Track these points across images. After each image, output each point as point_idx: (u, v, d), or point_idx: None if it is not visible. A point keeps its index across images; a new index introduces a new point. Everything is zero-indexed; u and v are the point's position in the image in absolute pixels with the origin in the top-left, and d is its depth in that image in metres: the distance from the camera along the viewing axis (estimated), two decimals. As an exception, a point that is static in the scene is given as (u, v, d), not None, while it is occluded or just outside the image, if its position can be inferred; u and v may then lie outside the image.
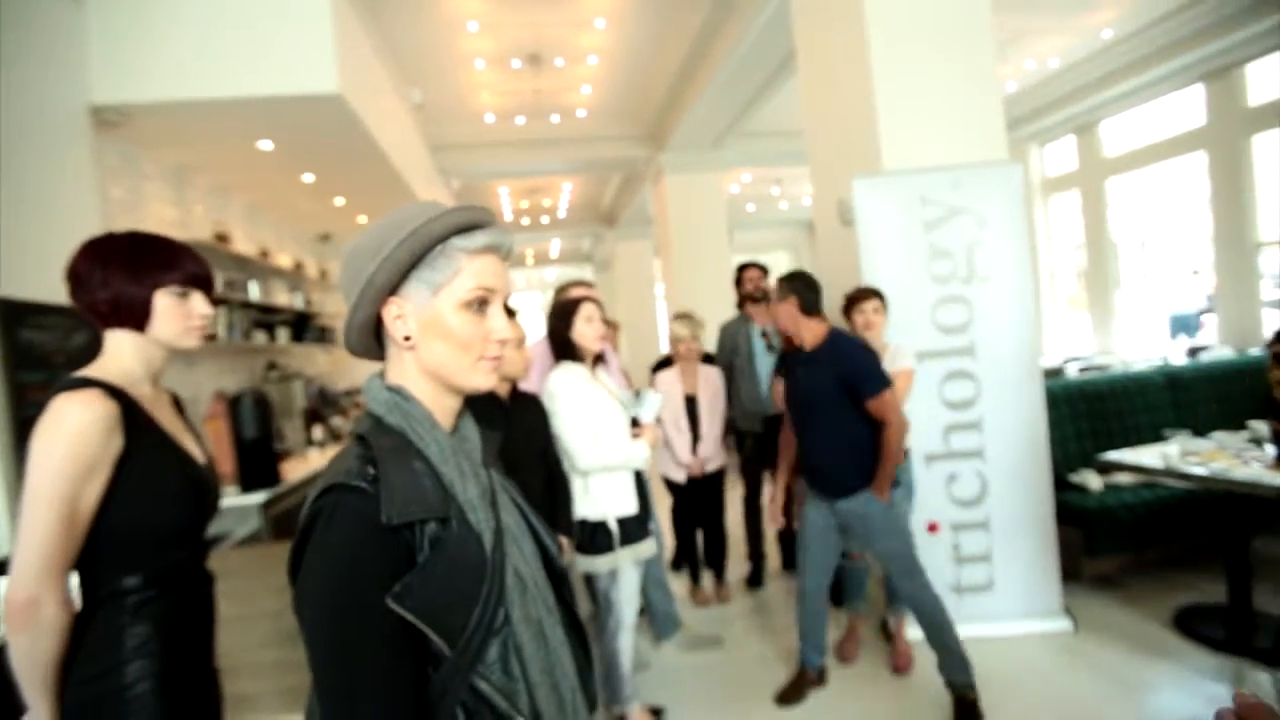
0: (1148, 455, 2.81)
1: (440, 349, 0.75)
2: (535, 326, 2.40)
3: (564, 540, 2.01)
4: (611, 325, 3.15)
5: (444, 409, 0.78)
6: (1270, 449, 2.53)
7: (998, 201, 2.83)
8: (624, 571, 2.18)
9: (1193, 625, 2.70)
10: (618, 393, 2.26)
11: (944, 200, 2.84)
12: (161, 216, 3.74)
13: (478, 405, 1.83)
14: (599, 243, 12.38)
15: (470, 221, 0.75)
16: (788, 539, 3.71)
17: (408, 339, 0.75)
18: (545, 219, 10.87)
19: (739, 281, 3.65)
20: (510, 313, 1.88)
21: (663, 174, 7.09)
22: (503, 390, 1.92)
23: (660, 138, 6.97)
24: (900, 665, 2.64)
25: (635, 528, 2.18)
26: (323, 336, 5.70)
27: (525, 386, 2.16)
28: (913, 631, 2.84)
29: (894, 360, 2.56)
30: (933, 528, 2.89)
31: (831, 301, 2.91)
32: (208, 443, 1.34)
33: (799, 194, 10.66)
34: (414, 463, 0.71)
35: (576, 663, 0.83)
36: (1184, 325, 6.49)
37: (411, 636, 0.65)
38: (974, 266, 2.85)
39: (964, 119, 3.04)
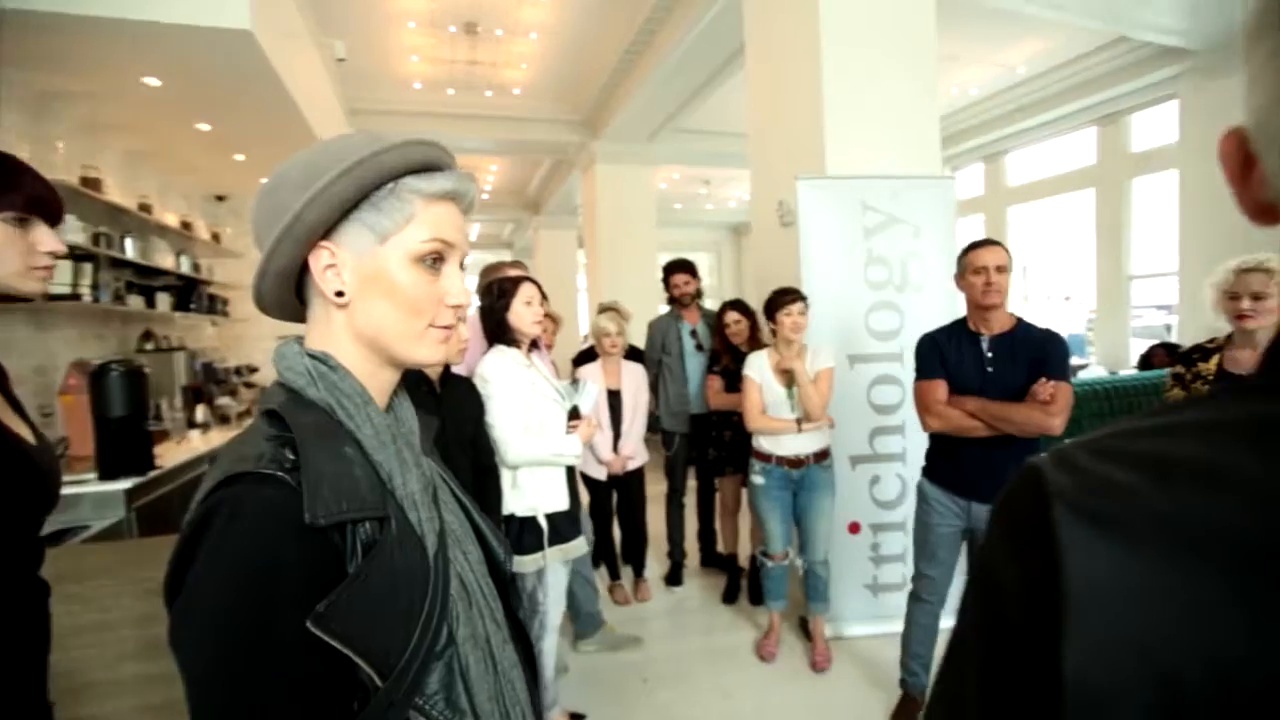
0: (1050, 464, 2.99)
1: (382, 310, 0.61)
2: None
3: None
4: (553, 319, 2.97)
5: (379, 384, 0.64)
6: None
7: (932, 214, 2.91)
8: (552, 571, 2.04)
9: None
10: (554, 381, 2.13)
11: (884, 208, 2.89)
12: (13, 150, 3.19)
13: (404, 386, 1.60)
14: (521, 229, 12.03)
15: (429, 160, 0.63)
16: (708, 536, 3.70)
17: (341, 295, 0.61)
18: (467, 200, 10.44)
19: (668, 283, 3.57)
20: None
21: (595, 162, 6.95)
22: (433, 371, 1.73)
23: (595, 125, 6.82)
24: (819, 663, 2.66)
25: (566, 525, 2.05)
26: (212, 306, 5.14)
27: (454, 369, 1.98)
28: (830, 629, 2.89)
29: (815, 360, 2.59)
30: (854, 528, 2.94)
31: (762, 301, 2.88)
32: (57, 423, 1.08)
33: (726, 197, 10.82)
34: (344, 447, 0.57)
35: (526, 682, 0.71)
36: (1076, 347, 7.13)
37: (334, 666, 0.51)
38: (907, 275, 2.92)
39: (904, 132, 3.11)
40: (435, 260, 0.63)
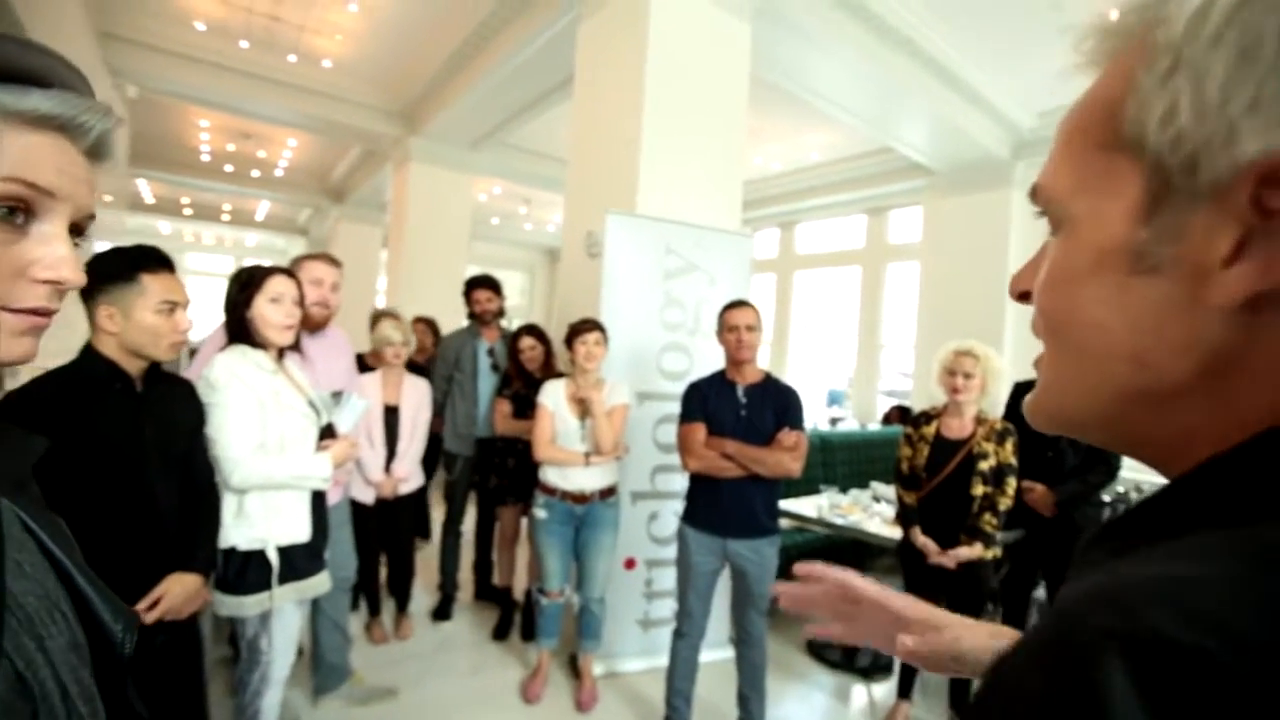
0: (805, 505, 3.30)
1: None
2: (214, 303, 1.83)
3: (188, 582, 1.47)
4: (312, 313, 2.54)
5: None
6: (886, 507, 3.17)
7: (728, 266, 3.11)
8: (281, 614, 1.73)
9: (819, 648, 3.22)
10: (309, 391, 1.84)
11: (685, 254, 3.02)
12: None
13: (88, 385, 1.28)
14: (319, 217, 10.83)
15: (22, 67, 0.43)
16: (484, 568, 3.50)
17: None
18: (256, 172, 9.12)
19: (469, 298, 3.40)
20: (164, 264, 1.38)
21: (409, 160, 6.49)
22: (134, 368, 1.38)
23: (414, 120, 6.39)
24: (585, 703, 2.60)
25: (304, 559, 1.76)
26: None
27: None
28: (602, 665, 2.86)
29: (611, 395, 2.60)
30: (629, 564, 2.96)
31: (564, 330, 2.85)
32: None
33: (545, 219, 10.80)
34: None
35: None
36: (835, 399, 8.15)
37: None
38: (700, 321, 3.07)
39: (711, 187, 3.31)
40: (14, 211, 0.44)
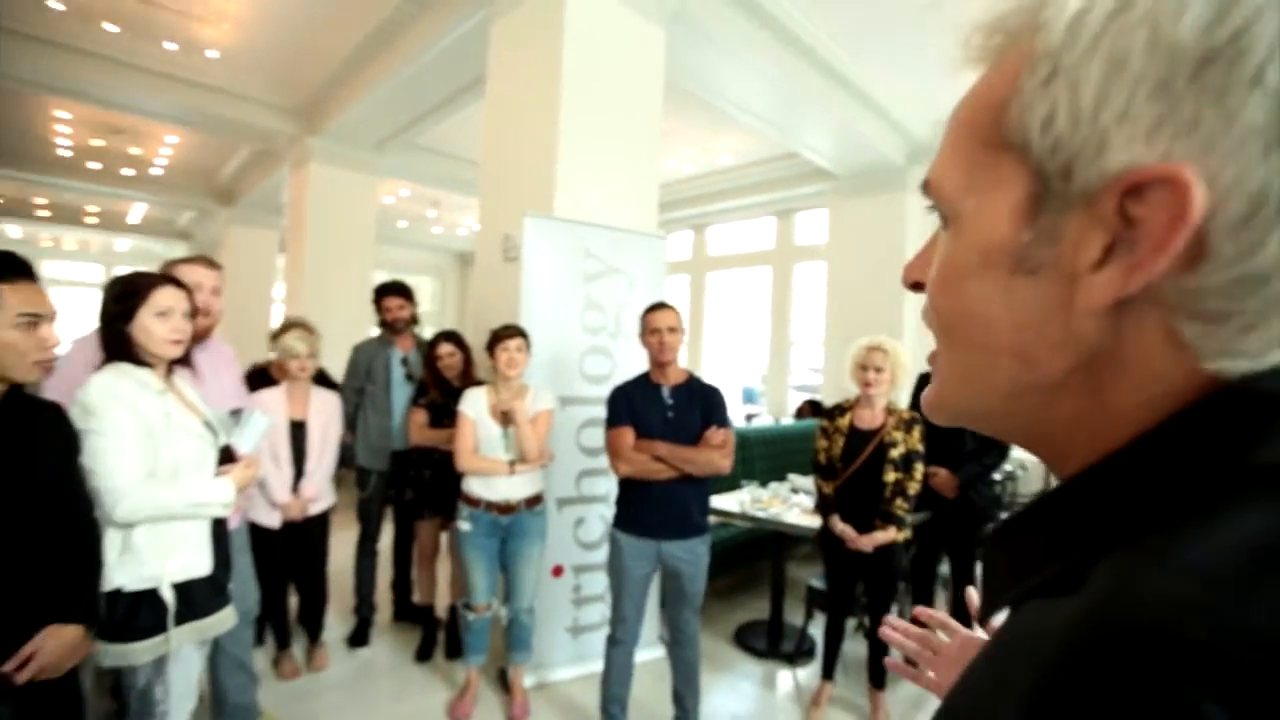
0: (728, 501, 3.38)
1: None
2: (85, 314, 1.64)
3: (66, 635, 1.30)
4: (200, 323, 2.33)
5: None
6: (804, 497, 3.30)
7: (645, 269, 3.13)
8: (179, 658, 1.57)
9: (746, 638, 3.30)
10: (203, 409, 1.68)
11: (604, 257, 3.02)
12: None
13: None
14: (205, 220, 9.99)
15: None
16: (403, 586, 3.34)
17: None
18: (130, 171, 8.27)
19: (379, 306, 3.25)
20: (23, 271, 1.23)
21: (309, 161, 6.11)
22: (-10, 391, 1.21)
23: (313, 119, 6.02)
24: (517, 716, 2.54)
25: (205, 594, 1.60)
26: None
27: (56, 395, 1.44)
28: (533, 676, 2.80)
29: (535, 401, 2.56)
30: (557, 571, 2.92)
31: (483, 336, 2.78)
32: None
33: (455, 222, 10.49)
34: None
35: None
36: (750, 396, 8.40)
37: None
38: (620, 323, 3.07)
39: (627, 189, 3.32)
40: None
